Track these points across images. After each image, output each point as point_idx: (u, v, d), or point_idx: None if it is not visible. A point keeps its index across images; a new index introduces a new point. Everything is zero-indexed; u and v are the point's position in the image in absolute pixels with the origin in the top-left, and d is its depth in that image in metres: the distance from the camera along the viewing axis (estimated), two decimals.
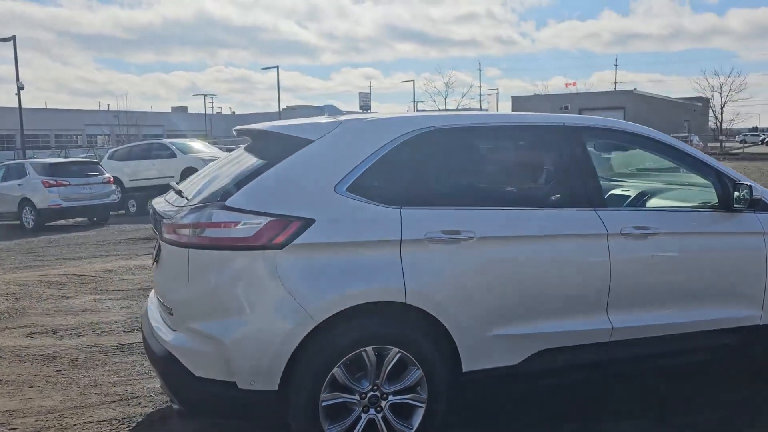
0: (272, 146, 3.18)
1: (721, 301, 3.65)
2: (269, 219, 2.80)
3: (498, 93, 51.20)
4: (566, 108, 51.74)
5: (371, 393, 2.96)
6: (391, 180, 3.06)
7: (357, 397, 2.94)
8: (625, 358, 3.44)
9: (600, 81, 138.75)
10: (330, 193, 2.94)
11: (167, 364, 2.93)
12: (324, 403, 2.89)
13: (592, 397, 3.80)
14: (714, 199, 3.64)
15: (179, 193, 3.29)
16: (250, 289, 2.81)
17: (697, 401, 3.72)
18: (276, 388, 2.81)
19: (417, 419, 3.03)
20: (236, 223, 2.80)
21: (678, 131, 46.63)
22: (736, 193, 3.54)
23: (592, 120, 3.61)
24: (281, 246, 2.79)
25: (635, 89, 56.00)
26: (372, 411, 2.97)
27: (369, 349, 2.91)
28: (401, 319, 2.98)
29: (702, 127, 64.32)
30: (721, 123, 55.50)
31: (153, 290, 3.79)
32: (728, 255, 3.65)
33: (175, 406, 3.04)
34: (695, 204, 3.79)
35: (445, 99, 60.52)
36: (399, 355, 2.95)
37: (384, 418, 2.98)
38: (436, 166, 3.18)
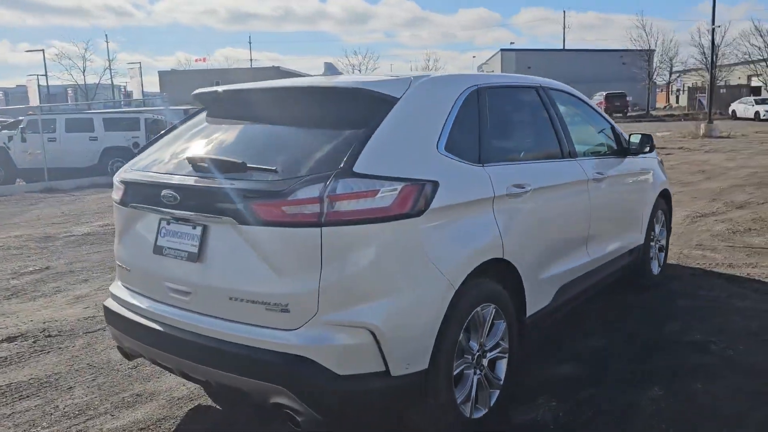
0: (347, 104, 2.79)
1: (629, 229, 4.57)
2: (404, 185, 2.51)
3: (141, 67, 47.82)
4: (218, 83, 51.61)
5: (478, 353, 2.94)
6: (465, 138, 3.01)
7: (470, 359, 2.89)
8: (594, 283, 4.07)
9: (225, 58, 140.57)
10: (436, 153, 2.77)
11: (295, 372, 2.40)
12: (455, 372, 2.77)
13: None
14: (601, 149, 4.48)
15: (215, 165, 2.63)
16: (396, 264, 2.50)
17: (619, 310, 4.61)
18: (426, 366, 2.59)
19: (502, 370, 3.12)
20: (375, 191, 2.44)
21: None
22: (631, 143, 4.48)
23: (556, 84, 4.07)
24: (421, 212, 2.55)
25: (279, 66, 58.89)
26: (478, 371, 2.95)
27: (479, 309, 2.88)
28: (497, 274, 3.01)
29: None
30: None
31: (154, 298, 2.92)
32: (631, 190, 4.59)
33: (300, 419, 2.47)
34: (601, 151, 4.58)
35: (84, 72, 54.05)
36: (494, 310, 2.99)
37: (485, 375, 3.00)
38: (489, 123, 3.21)
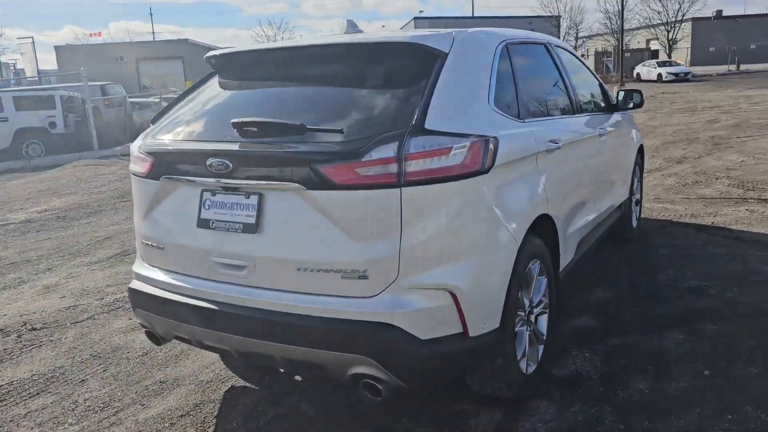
0: (397, 59, 2.67)
1: (620, 183, 4.73)
2: (472, 141, 2.45)
3: (33, 42, 44.43)
4: (122, 58, 48.99)
5: (528, 309, 2.96)
6: (506, 94, 2.97)
7: (523, 315, 2.91)
8: (599, 237, 4.19)
9: (126, 31, 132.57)
10: (489, 108, 2.72)
11: (379, 340, 2.32)
12: (515, 329, 2.78)
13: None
14: (597, 105, 4.54)
15: (270, 129, 2.48)
16: (471, 223, 2.46)
17: (610, 263, 4.79)
18: (498, 324, 2.58)
19: (544, 325, 3.16)
20: (449, 149, 2.37)
21: None
22: (619, 99, 4.60)
23: (557, 40, 4.09)
24: (489, 169, 2.50)
25: (189, 39, 56.30)
26: (528, 327, 2.97)
27: (530, 265, 2.89)
28: (541, 230, 3.02)
29: None
30: None
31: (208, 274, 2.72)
32: (621, 145, 4.72)
33: (383, 387, 2.40)
34: (596, 107, 4.64)
35: None
36: (539, 266, 3.01)
37: (533, 331, 3.03)
38: (520, 79, 3.17)
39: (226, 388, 3.21)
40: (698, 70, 41.79)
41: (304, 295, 2.43)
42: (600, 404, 2.90)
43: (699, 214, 6.17)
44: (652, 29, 48.66)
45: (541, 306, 3.10)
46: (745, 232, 5.45)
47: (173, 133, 2.82)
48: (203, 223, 2.61)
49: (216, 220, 2.58)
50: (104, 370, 3.48)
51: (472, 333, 2.47)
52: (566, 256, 3.43)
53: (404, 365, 2.37)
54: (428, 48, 2.65)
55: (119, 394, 3.21)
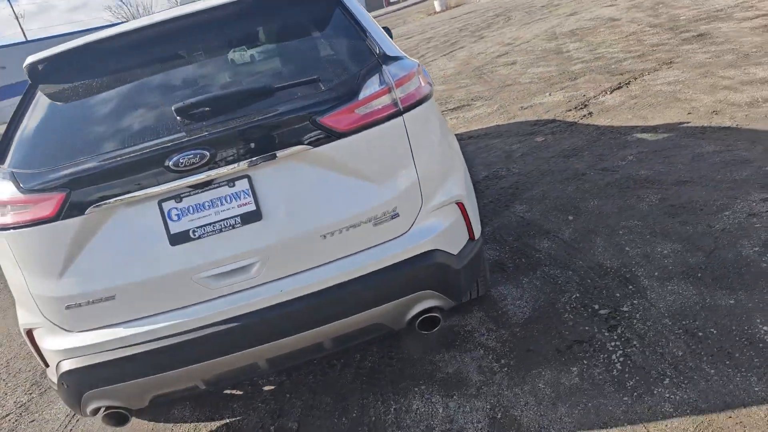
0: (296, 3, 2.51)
1: None
2: (416, 64, 2.53)
3: None
4: None
5: None
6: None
7: None
8: None
9: None
10: (386, 36, 2.80)
11: (432, 269, 2.31)
12: None
13: None
14: None
15: (236, 99, 2.19)
16: (444, 136, 2.55)
17: None
18: (480, 224, 2.76)
19: None
20: (413, 71, 2.42)
21: None
22: None
23: None
24: (431, 89, 2.62)
25: None
26: None
27: None
28: None
29: None
30: None
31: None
32: None
33: (440, 315, 2.35)
34: None
35: None
36: None
37: None
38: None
39: None
40: None
41: (339, 260, 2.25)
42: (537, 268, 3.36)
43: None
44: None
45: None
46: (474, 131, 6.53)
47: (73, 153, 2.18)
48: (180, 238, 2.15)
49: (199, 227, 2.15)
50: None
51: (476, 236, 2.62)
52: None
53: (454, 284, 2.42)
54: None
55: None
